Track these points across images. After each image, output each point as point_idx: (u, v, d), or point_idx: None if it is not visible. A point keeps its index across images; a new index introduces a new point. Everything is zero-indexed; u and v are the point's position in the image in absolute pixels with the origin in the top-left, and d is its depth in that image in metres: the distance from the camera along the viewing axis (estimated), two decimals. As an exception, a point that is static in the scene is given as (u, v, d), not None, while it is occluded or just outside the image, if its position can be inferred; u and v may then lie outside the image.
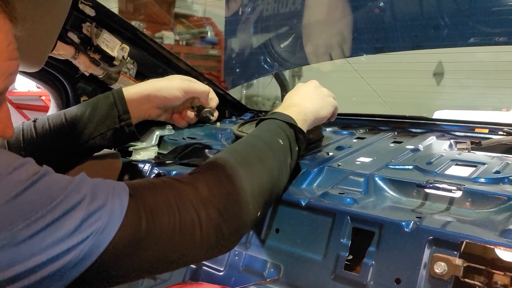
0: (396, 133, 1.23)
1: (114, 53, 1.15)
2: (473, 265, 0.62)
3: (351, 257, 0.75)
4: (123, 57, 1.18)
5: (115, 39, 1.15)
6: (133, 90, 0.94)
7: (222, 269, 0.86)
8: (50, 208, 0.46)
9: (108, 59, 1.15)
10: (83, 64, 1.11)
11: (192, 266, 0.90)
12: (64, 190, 0.49)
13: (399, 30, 1.17)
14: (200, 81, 1.04)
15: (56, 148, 0.90)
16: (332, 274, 0.73)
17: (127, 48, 1.19)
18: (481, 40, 1.06)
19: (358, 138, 1.19)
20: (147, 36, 1.26)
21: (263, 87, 3.48)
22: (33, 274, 0.45)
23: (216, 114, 1.06)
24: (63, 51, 1.05)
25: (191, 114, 1.06)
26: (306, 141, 0.89)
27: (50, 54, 1.01)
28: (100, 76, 1.16)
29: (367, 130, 1.29)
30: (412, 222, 0.68)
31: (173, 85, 0.97)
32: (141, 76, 1.28)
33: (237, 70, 1.61)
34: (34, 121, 0.91)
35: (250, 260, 0.83)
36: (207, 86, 1.02)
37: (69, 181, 0.51)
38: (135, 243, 0.52)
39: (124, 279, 0.55)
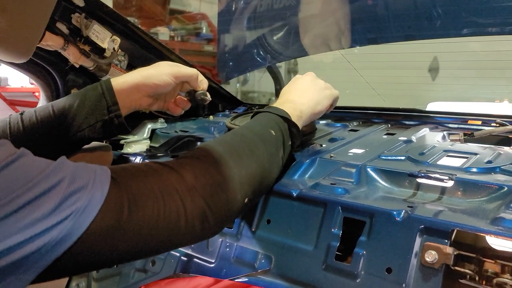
0: (389, 125, 1.22)
1: (104, 45, 1.14)
2: (463, 253, 0.61)
3: (342, 247, 0.74)
4: (114, 49, 1.16)
5: (106, 30, 1.13)
6: (121, 80, 0.93)
7: (213, 261, 0.85)
8: (27, 188, 0.45)
9: (98, 50, 1.14)
10: (73, 56, 1.10)
11: (183, 258, 0.90)
12: (42, 171, 0.48)
13: (392, 20, 1.16)
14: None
15: (44, 140, 0.89)
16: (323, 264, 0.72)
17: (118, 40, 1.17)
18: (474, 31, 1.05)
19: (351, 130, 1.19)
20: (138, 28, 1.24)
21: (259, 83, 3.47)
22: (11, 253, 0.44)
23: (208, 95, 1.05)
24: (52, 42, 1.03)
25: (184, 99, 1.05)
26: (301, 137, 0.89)
27: (38, 45, 1.00)
28: (91, 68, 1.14)
29: (361, 122, 1.28)
30: (403, 211, 0.68)
31: (162, 71, 0.96)
32: (132, 68, 1.26)
33: (230, 63, 1.59)
34: (21, 114, 0.90)
35: (241, 252, 0.82)
36: (194, 69, 1.01)
37: (48, 163, 0.50)
38: (116, 227, 0.52)
39: (104, 264, 0.54)
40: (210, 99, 1.05)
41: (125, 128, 0.95)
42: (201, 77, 1.03)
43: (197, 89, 1.02)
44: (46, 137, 0.89)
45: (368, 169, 0.85)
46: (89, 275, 1.02)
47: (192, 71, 1.00)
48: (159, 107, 1.04)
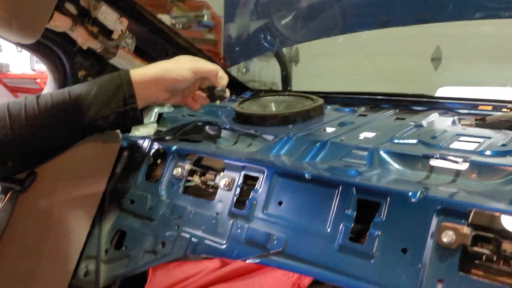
0: (397, 110, 1.21)
1: (112, 27, 1.12)
2: (481, 233, 0.61)
3: (356, 229, 0.74)
4: (121, 30, 1.15)
5: (114, 12, 1.12)
6: (140, 72, 0.92)
7: (224, 242, 0.85)
8: None
9: (106, 32, 1.12)
10: (81, 37, 1.08)
11: (193, 240, 0.89)
12: None
13: (402, 3, 1.15)
14: (201, 58, 1.01)
15: (58, 125, 0.88)
16: (337, 245, 0.72)
17: (125, 21, 1.16)
18: (486, 14, 1.04)
19: (360, 115, 1.18)
20: (146, 10, 1.23)
21: (259, 73, 3.45)
22: None
23: (228, 92, 1.04)
24: (60, 22, 1.02)
25: (203, 95, 1.04)
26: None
27: (46, 26, 0.98)
28: (98, 50, 1.13)
29: (368, 108, 1.28)
30: (419, 192, 0.67)
31: (182, 66, 0.95)
32: (139, 50, 1.25)
33: (236, 48, 1.58)
34: (37, 97, 0.88)
35: (252, 233, 0.82)
36: (215, 65, 1.00)
37: None
38: None
39: None
40: (228, 97, 1.05)
41: (139, 120, 0.94)
42: (221, 73, 1.02)
43: (217, 85, 1.02)
44: (60, 122, 0.88)
45: (381, 152, 0.84)
46: (97, 257, 1.02)
47: (212, 66, 0.99)
48: (176, 102, 1.03)
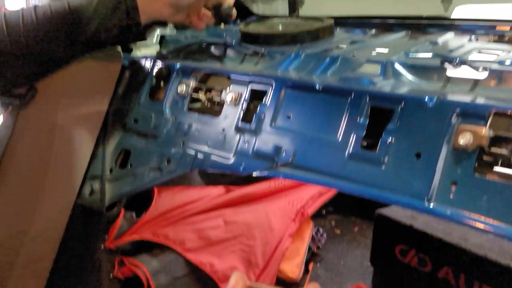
0: (410, 32, 1.16)
1: None
2: (501, 134, 0.58)
3: (367, 140, 0.72)
4: None
5: None
6: None
7: (231, 157, 0.83)
8: None
9: None
10: None
11: (199, 156, 0.88)
12: None
13: None
14: None
15: (57, 36, 0.84)
16: (347, 154, 0.70)
17: None
18: None
19: (372, 36, 1.13)
20: None
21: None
22: None
23: (235, 11, 0.99)
24: None
25: (208, 13, 0.99)
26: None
27: None
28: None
29: (380, 30, 1.22)
30: (436, 96, 0.64)
31: None
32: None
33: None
34: (35, 7, 0.84)
35: (260, 146, 0.80)
36: None
37: None
38: None
39: None
40: (235, 16, 1.00)
41: (142, 36, 0.90)
42: None
43: (223, 2, 0.97)
44: (59, 33, 0.84)
45: (395, 64, 0.81)
46: (102, 177, 1.01)
47: None
48: (180, 19, 0.98)
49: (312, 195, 1.48)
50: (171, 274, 1.01)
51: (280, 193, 1.42)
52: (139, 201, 1.10)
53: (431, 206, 0.61)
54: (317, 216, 1.80)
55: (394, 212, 1.31)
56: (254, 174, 0.79)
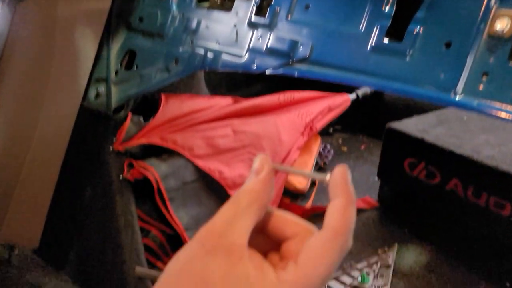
0: None
1: None
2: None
3: (393, 30, 0.67)
4: None
5: None
6: None
7: (243, 54, 0.79)
8: None
9: None
10: None
11: (209, 55, 0.83)
12: None
13: None
14: None
15: None
16: (370, 46, 0.65)
17: None
18: None
19: None
20: None
21: None
22: None
23: None
24: None
25: None
26: None
27: None
28: None
29: None
30: (473, -21, 0.58)
31: None
32: None
33: None
34: None
35: (275, 41, 0.75)
36: None
37: None
38: None
39: None
40: None
41: None
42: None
43: None
44: None
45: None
46: (108, 79, 0.97)
47: None
48: None
49: (322, 109, 1.44)
50: (180, 178, 1.01)
51: (290, 106, 1.39)
52: (146, 108, 1.07)
53: (457, 98, 0.58)
54: (324, 134, 1.79)
55: (405, 126, 1.29)
56: (268, 72, 0.75)
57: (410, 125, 1.29)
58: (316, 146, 1.53)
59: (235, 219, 0.32)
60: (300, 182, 1.36)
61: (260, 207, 0.34)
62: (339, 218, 0.32)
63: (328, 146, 1.64)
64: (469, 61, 0.57)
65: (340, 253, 0.31)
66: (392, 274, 1.02)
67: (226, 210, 0.33)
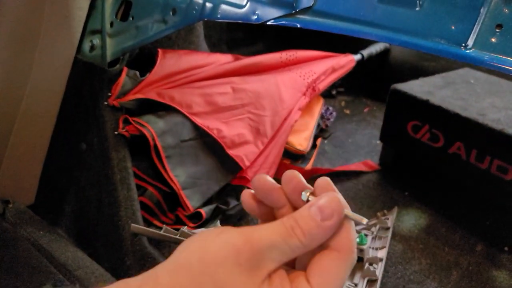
0: None
1: None
2: None
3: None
4: None
5: None
6: None
7: (243, 4, 0.75)
8: None
9: None
10: None
11: (207, 4, 0.79)
12: None
13: None
14: None
15: None
16: (378, -5, 0.61)
17: None
18: None
19: None
20: None
21: None
22: None
23: None
24: None
25: None
26: None
27: None
28: None
29: None
30: None
31: None
32: None
33: None
34: None
35: (277, -10, 0.71)
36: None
37: None
38: None
39: None
40: None
41: None
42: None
43: None
44: None
45: None
46: (103, 31, 0.93)
47: None
48: None
49: (325, 70, 1.40)
50: (178, 136, 0.99)
51: (292, 66, 1.35)
52: (142, 63, 1.03)
53: (468, 52, 0.55)
54: (327, 96, 1.75)
55: (410, 88, 1.26)
56: (269, 22, 0.71)
57: (415, 87, 1.26)
58: (318, 107, 1.50)
59: (277, 249, 0.30)
60: (300, 144, 1.33)
61: (305, 250, 0.31)
62: (349, 238, 0.32)
63: (331, 109, 1.61)
64: (483, 11, 0.53)
65: (350, 270, 0.32)
66: (391, 236, 1.01)
67: (275, 232, 0.31)
